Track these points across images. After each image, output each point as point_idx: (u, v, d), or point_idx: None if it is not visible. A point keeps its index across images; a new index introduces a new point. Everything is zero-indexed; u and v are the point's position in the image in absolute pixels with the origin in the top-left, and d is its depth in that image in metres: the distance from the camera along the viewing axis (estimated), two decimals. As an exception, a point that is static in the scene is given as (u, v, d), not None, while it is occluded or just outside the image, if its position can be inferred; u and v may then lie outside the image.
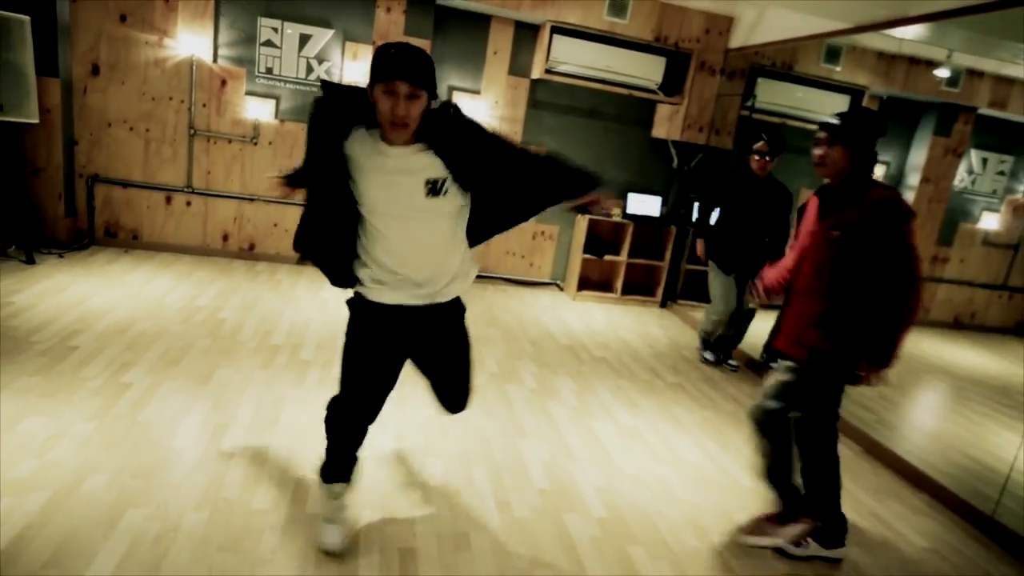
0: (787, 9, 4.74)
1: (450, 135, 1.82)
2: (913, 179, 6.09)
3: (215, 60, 5.10)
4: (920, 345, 5.96)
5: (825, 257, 2.31)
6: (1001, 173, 6.19)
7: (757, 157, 4.10)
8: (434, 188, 1.83)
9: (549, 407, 3.52)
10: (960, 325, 6.39)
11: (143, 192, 5.23)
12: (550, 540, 2.38)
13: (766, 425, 2.47)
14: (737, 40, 5.48)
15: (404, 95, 1.66)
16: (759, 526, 2.55)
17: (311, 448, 2.69)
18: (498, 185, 1.93)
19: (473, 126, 1.88)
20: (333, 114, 1.83)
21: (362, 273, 1.98)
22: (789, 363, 2.41)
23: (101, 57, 4.93)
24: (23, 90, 4.41)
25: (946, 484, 3.11)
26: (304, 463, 2.60)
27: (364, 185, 1.85)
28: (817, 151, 2.29)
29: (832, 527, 2.44)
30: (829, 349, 2.29)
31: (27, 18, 4.37)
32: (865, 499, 3.02)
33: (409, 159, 1.81)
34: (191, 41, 4.96)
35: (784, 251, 4.07)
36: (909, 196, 6.18)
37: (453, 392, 2.30)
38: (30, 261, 4.54)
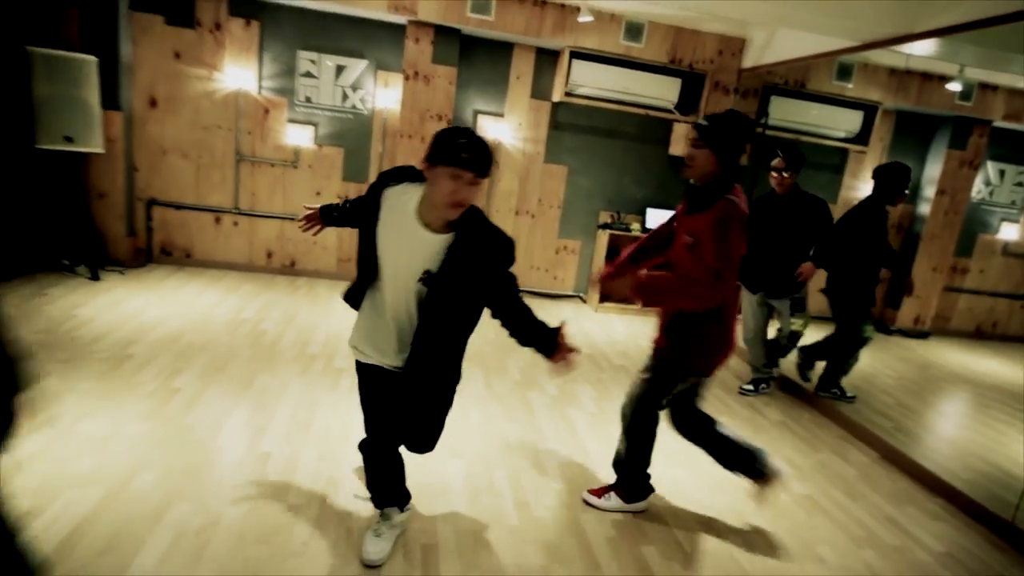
0: (796, 30, 4.72)
1: (479, 238, 1.81)
2: (929, 191, 5.96)
3: (259, 91, 5.30)
4: (942, 355, 5.79)
5: (682, 261, 2.33)
6: (1019, 184, 6.01)
7: (775, 174, 3.89)
8: (426, 277, 1.81)
9: (569, 413, 3.53)
10: (982, 335, 6.18)
11: (194, 213, 5.43)
12: (567, 539, 2.38)
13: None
14: (749, 60, 5.46)
15: (467, 182, 1.70)
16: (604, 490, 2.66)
17: (342, 449, 2.75)
18: (471, 302, 1.89)
19: (503, 243, 1.85)
20: (390, 177, 1.91)
21: (356, 323, 2.04)
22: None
23: (158, 91, 5.17)
24: (90, 123, 4.64)
25: (964, 490, 3.01)
26: (334, 463, 2.66)
27: (383, 226, 1.85)
28: (686, 151, 2.30)
29: (636, 487, 2.60)
30: (670, 350, 2.40)
31: (95, 59, 4.61)
32: (881, 504, 2.94)
33: (433, 236, 1.80)
34: (237, 74, 5.16)
35: (824, 262, 3.87)
36: (924, 209, 6.04)
37: (412, 433, 2.10)
38: (95, 278, 4.74)
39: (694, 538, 2.48)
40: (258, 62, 5.26)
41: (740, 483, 2.95)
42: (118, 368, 3.30)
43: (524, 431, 3.23)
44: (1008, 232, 6.04)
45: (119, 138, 5.00)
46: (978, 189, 6.00)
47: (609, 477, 2.71)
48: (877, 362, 4.98)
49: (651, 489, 2.63)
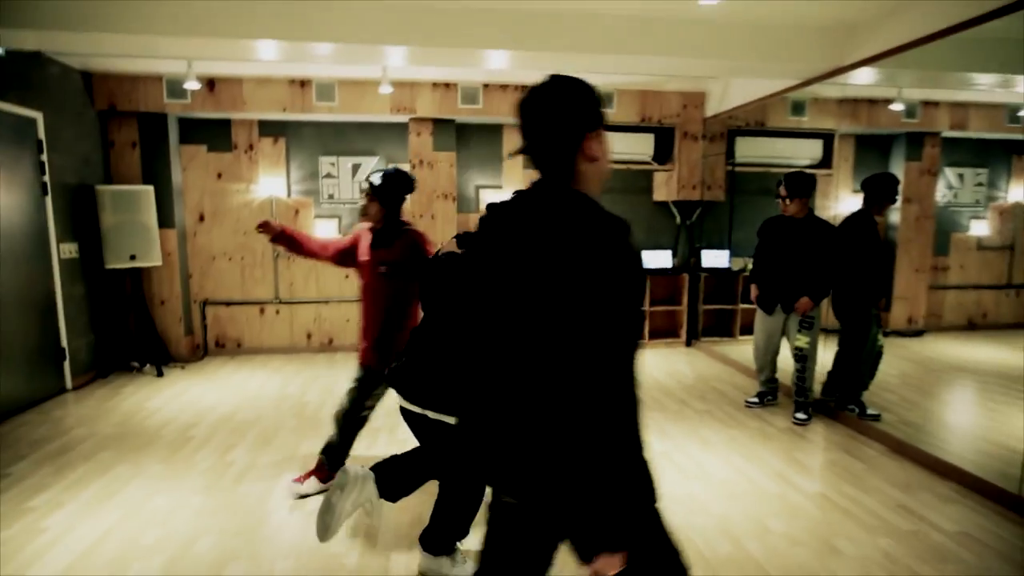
0: (745, 79, 4.88)
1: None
2: (898, 201, 5.90)
3: (289, 195, 5.59)
4: (938, 349, 5.58)
5: (378, 287, 2.63)
6: (979, 184, 5.94)
7: (780, 201, 3.78)
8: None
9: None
10: (974, 326, 5.96)
11: (242, 307, 5.63)
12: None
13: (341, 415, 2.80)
14: (711, 109, 5.62)
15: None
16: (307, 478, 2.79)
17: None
18: None
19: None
20: None
21: None
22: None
23: (205, 207, 5.49)
24: (149, 241, 4.93)
25: (972, 471, 2.86)
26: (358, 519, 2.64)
27: None
28: (363, 203, 2.61)
29: (335, 461, 2.74)
30: (375, 360, 2.68)
31: (151, 188, 4.96)
32: (893, 493, 2.80)
33: None
34: (270, 183, 5.47)
35: (827, 284, 3.68)
36: (895, 217, 5.98)
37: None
38: (160, 374, 4.91)
39: (715, 546, 2.38)
40: (286, 171, 5.58)
41: (755, 491, 2.86)
42: (180, 450, 3.37)
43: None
44: (978, 228, 5.93)
45: (174, 251, 5.27)
46: (943, 193, 5.94)
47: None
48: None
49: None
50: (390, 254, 2.58)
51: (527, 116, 1.19)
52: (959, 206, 5.98)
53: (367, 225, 2.69)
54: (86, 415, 3.96)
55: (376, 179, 2.55)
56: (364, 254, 2.67)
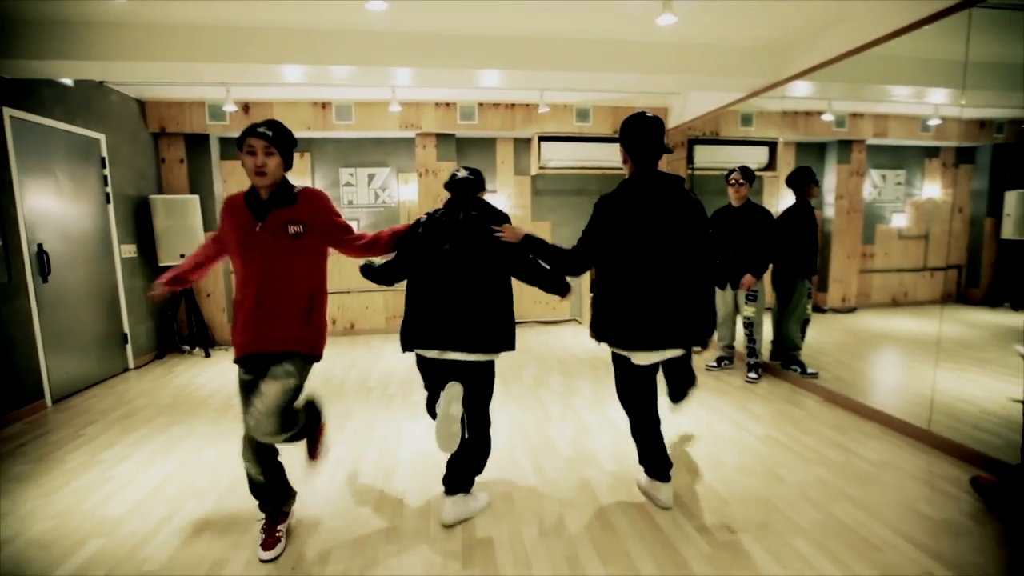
0: (701, 93, 4.92)
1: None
2: (830, 199, 5.98)
3: (315, 202, 5.60)
4: (867, 322, 5.65)
5: (288, 254, 1.84)
6: (899, 183, 6.02)
7: (733, 185, 3.84)
8: None
9: (572, 401, 3.52)
10: (897, 303, 6.03)
11: (277, 298, 5.63)
12: (575, 489, 2.36)
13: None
14: (673, 122, 5.67)
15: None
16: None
17: (394, 452, 2.77)
18: None
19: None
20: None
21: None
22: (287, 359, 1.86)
23: (242, 213, 5.49)
24: (196, 242, 4.94)
25: (891, 413, 2.92)
26: (391, 458, 2.68)
27: None
28: (255, 160, 1.81)
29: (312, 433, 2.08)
30: (307, 336, 1.90)
31: (197, 197, 4.97)
32: (827, 433, 2.86)
33: None
34: (298, 192, 5.48)
35: (765, 261, 3.73)
36: (829, 212, 6.06)
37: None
38: (207, 355, 4.92)
39: (679, 478, 2.43)
40: (312, 181, 5.59)
41: (711, 435, 2.91)
42: (225, 414, 3.39)
43: (536, 418, 3.22)
44: (898, 220, 6.01)
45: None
46: (869, 191, 6.01)
47: (602, 447, 2.68)
48: (815, 333, 4.88)
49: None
50: (297, 212, 1.87)
51: (658, 131, 1.99)
52: (882, 202, 6.05)
53: (231, 195, 1.93)
54: (145, 388, 3.98)
55: (269, 130, 1.82)
56: (252, 224, 1.84)
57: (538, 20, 3.34)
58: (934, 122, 5.18)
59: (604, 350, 4.91)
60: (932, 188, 6.07)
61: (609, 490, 2.33)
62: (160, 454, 2.79)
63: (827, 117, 5.34)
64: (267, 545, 1.91)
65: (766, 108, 5.58)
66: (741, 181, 3.87)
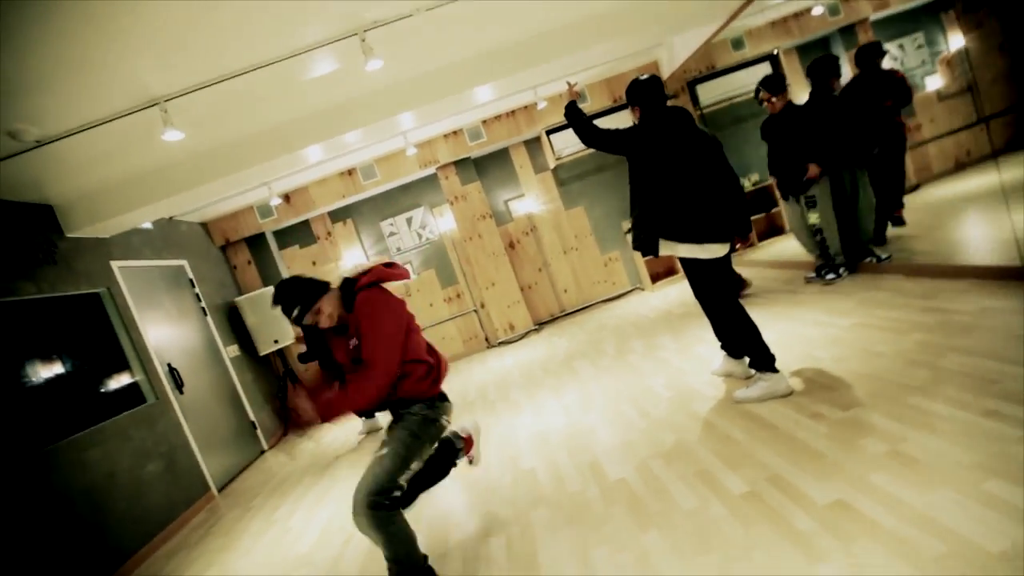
0: (684, 35, 5.00)
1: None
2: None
3: (367, 258, 6.10)
4: (933, 195, 5.40)
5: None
6: (919, 46, 5.76)
7: (766, 104, 3.78)
8: None
9: (658, 355, 3.65)
10: (962, 165, 5.72)
11: (363, 354, 6.13)
12: (685, 420, 2.51)
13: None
14: (666, 71, 5.75)
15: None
16: None
17: (514, 442, 3.03)
18: None
19: None
20: None
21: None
22: None
23: (311, 290, 6.06)
24: (283, 327, 5.50)
25: (978, 263, 2.86)
26: (502, 455, 2.94)
27: None
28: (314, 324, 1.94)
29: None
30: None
31: (271, 288, 5.57)
32: (917, 303, 2.84)
33: None
34: (351, 255, 6.01)
35: (820, 152, 3.61)
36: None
37: None
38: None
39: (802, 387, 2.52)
40: (359, 242, 6.11)
41: (800, 336, 2.94)
42: (363, 457, 3.79)
43: (629, 378, 3.39)
44: (933, 83, 5.74)
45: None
46: (889, 65, 5.78)
47: (699, 381, 2.81)
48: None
49: None
50: (350, 332, 1.96)
51: (657, 81, 2.49)
52: (910, 70, 5.80)
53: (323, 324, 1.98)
54: (283, 461, 4.49)
55: (277, 304, 1.94)
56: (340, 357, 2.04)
57: (513, 26, 3.61)
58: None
59: (672, 306, 4.99)
60: (957, 40, 5.75)
61: (716, 413, 2.47)
62: (317, 502, 3.20)
63: (818, 10, 5.25)
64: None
65: (752, 25, 5.56)
66: (771, 97, 3.75)
